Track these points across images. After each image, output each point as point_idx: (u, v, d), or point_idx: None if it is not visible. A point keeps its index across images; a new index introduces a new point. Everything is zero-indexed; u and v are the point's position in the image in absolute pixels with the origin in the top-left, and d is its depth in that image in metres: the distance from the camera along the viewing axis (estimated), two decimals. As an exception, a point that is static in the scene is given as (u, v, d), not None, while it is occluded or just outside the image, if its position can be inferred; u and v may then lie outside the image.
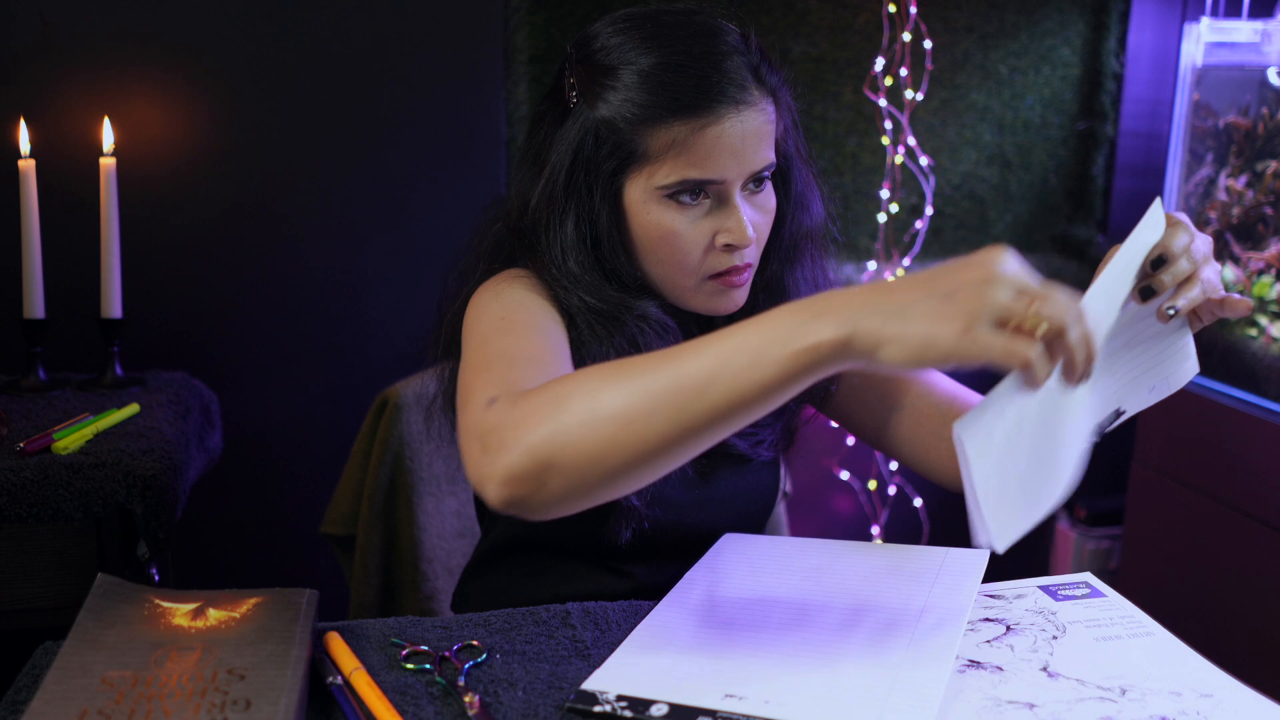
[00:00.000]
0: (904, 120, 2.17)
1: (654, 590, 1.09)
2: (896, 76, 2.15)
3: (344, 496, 1.46)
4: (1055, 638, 0.93)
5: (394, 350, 1.96)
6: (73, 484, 1.34)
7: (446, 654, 0.89)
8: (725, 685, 0.82)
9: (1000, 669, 0.88)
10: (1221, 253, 1.96)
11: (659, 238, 1.05)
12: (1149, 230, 0.89)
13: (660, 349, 0.82)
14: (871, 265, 2.22)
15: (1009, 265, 0.73)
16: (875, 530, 2.31)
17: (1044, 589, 1.02)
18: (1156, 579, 2.10)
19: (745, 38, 1.06)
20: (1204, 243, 0.92)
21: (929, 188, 2.23)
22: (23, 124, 1.61)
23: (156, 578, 1.42)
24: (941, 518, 2.33)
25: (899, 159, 2.20)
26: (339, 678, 0.85)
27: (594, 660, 0.89)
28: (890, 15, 2.13)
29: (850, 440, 2.26)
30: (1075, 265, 2.35)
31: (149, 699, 0.77)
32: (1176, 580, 2.04)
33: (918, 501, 2.30)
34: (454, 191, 1.98)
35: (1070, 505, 2.35)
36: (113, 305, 1.62)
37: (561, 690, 0.84)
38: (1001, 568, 1.05)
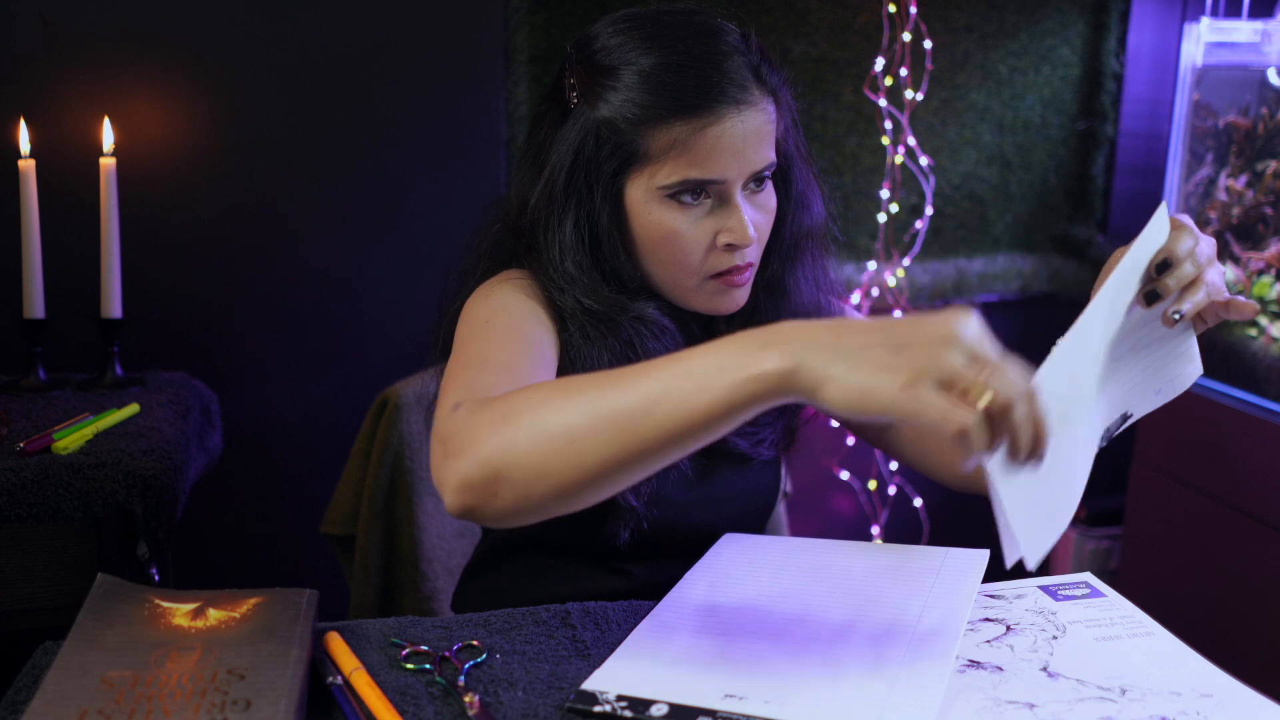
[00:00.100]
0: (904, 120, 2.17)
1: (654, 590, 1.09)
2: (896, 76, 2.15)
3: (344, 496, 1.46)
4: (1055, 638, 0.93)
5: (394, 350, 1.96)
6: (73, 484, 1.34)
7: (446, 654, 0.89)
8: (725, 685, 0.82)
9: (1000, 669, 0.88)
10: (1221, 253, 1.96)
11: (660, 238, 1.05)
12: (1154, 233, 0.89)
13: (630, 363, 0.82)
14: (871, 265, 2.22)
15: (969, 330, 0.71)
16: (875, 530, 2.31)
17: (1044, 589, 1.02)
18: (1156, 579, 2.10)
19: (745, 37, 1.06)
20: (1208, 245, 0.92)
21: (929, 188, 2.23)
22: (23, 124, 1.61)
23: (156, 578, 1.42)
24: (941, 518, 2.33)
25: (899, 159, 2.20)
26: (339, 678, 0.85)
27: (594, 660, 0.89)
28: (890, 15, 2.13)
29: (850, 440, 2.26)
30: (1075, 265, 2.35)
31: (149, 699, 0.77)
32: (1176, 580, 2.04)
33: (918, 501, 2.30)
34: (454, 191, 1.98)
35: (1070, 505, 2.35)
36: (113, 305, 1.62)
37: (561, 690, 0.84)
38: (1001, 568, 1.05)
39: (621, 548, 1.11)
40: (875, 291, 2.22)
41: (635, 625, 0.93)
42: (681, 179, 1.02)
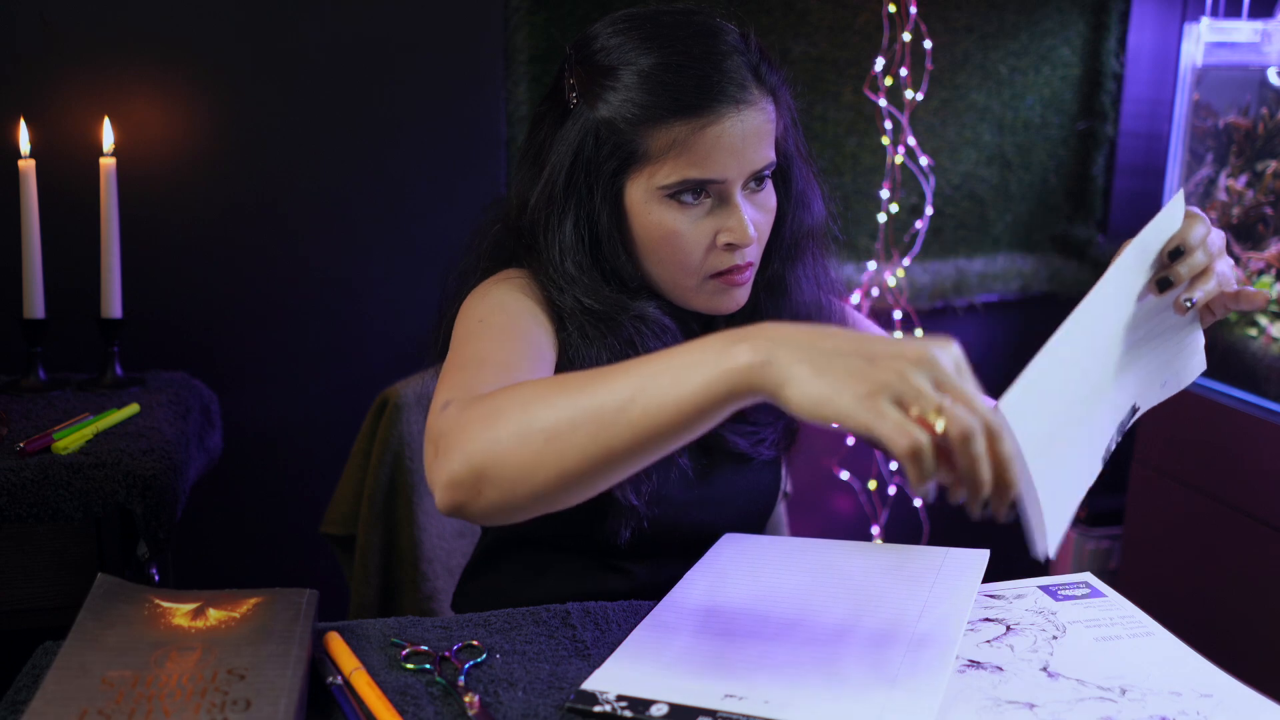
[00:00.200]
0: (904, 120, 2.17)
1: (654, 590, 1.09)
2: (896, 76, 2.15)
3: (344, 496, 1.46)
4: (1055, 638, 0.93)
5: (394, 350, 1.96)
6: (73, 484, 1.34)
7: (446, 654, 0.89)
8: (725, 685, 0.82)
9: (1000, 669, 0.88)
10: (1221, 253, 1.96)
11: (660, 238, 1.05)
12: (1168, 220, 0.90)
13: (632, 357, 0.82)
14: (871, 265, 2.22)
15: (946, 356, 0.70)
16: (875, 530, 2.31)
17: (1044, 589, 1.02)
18: (1156, 579, 2.10)
19: (745, 37, 1.06)
20: (1219, 237, 0.93)
21: (929, 188, 2.23)
22: (23, 124, 1.61)
23: (156, 578, 1.42)
24: (941, 518, 2.33)
25: (899, 159, 2.20)
26: (339, 678, 0.85)
27: (594, 660, 0.89)
28: (890, 15, 2.13)
29: (850, 440, 2.26)
30: (1075, 265, 2.35)
31: (149, 699, 0.77)
32: (1176, 580, 2.04)
33: (918, 501, 2.30)
34: (454, 191, 1.98)
35: (1070, 505, 2.35)
36: (113, 305, 1.62)
37: (561, 690, 0.84)
38: (1001, 568, 1.05)
39: (622, 547, 1.11)
40: (875, 291, 2.22)
41: (635, 625, 0.93)
42: (681, 179, 1.02)
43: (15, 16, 1.74)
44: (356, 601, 1.43)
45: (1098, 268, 2.30)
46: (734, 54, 1.03)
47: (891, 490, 2.30)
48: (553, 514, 0.84)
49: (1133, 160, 2.38)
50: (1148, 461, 2.09)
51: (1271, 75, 1.90)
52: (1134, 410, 0.96)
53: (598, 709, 0.81)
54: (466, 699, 0.82)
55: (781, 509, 1.54)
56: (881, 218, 2.22)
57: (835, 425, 0.70)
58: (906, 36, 2.13)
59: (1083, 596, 1.01)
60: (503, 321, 1.02)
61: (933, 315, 2.31)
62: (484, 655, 0.89)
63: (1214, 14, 2.07)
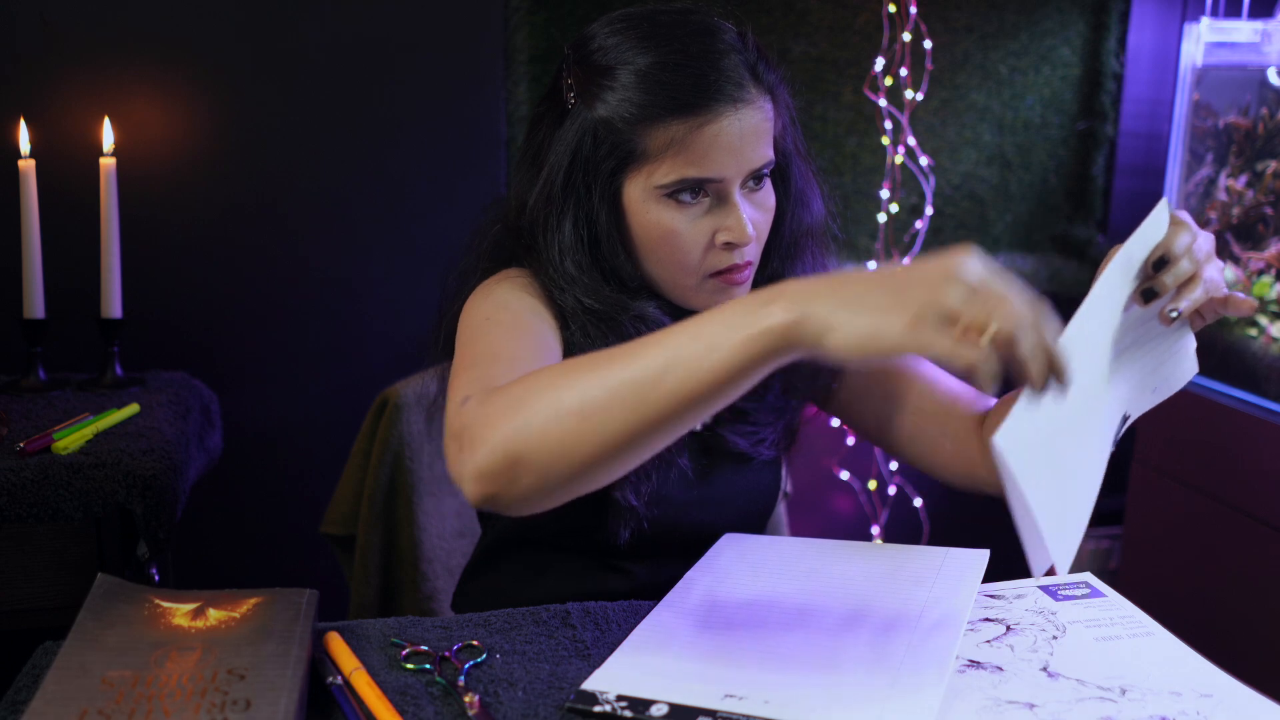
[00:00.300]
0: (904, 120, 2.17)
1: (654, 590, 1.09)
2: (896, 76, 2.15)
3: (344, 496, 1.46)
4: (1055, 638, 0.93)
5: (394, 350, 1.96)
6: (73, 484, 1.34)
7: (446, 654, 0.89)
8: (725, 685, 0.82)
9: (1000, 669, 0.88)
10: (1222, 253, 1.96)
11: (659, 237, 1.05)
12: (1152, 229, 0.89)
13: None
14: (871, 265, 2.22)
15: (969, 266, 0.71)
16: (875, 530, 2.31)
17: (1044, 589, 1.02)
18: (1156, 579, 2.10)
19: (742, 36, 1.06)
20: (1206, 241, 0.92)
21: (929, 188, 2.23)
22: (23, 124, 1.61)
23: (156, 578, 1.42)
24: (941, 518, 2.33)
25: (899, 159, 2.20)
26: (339, 678, 0.85)
27: (594, 660, 0.89)
28: (890, 15, 2.13)
29: (850, 440, 2.26)
30: (1075, 265, 2.35)
31: (149, 699, 0.77)
32: (1176, 580, 2.04)
33: (918, 501, 2.30)
34: (454, 191, 1.98)
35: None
36: (113, 305, 1.62)
37: (561, 690, 0.84)
38: (1001, 568, 1.05)
39: (622, 547, 1.11)
40: (875, 291, 2.22)
41: (635, 625, 0.93)
42: (679, 178, 1.02)
43: (15, 16, 1.74)
44: (356, 601, 1.43)
45: (1098, 268, 2.30)
46: (731, 53, 1.03)
47: (891, 490, 2.30)
48: (553, 514, 0.84)
49: (1133, 160, 2.38)
50: (1148, 461, 2.09)
51: (1271, 75, 1.90)
52: (1125, 419, 0.96)
53: (598, 709, 0.81)
54: (466, 699, 0.82)
55: (781, 509, 1.54)
56: (881, 218, 2.22)
57: (887, 358, 0.72)
58: (906, 36, 2.13)
59: (1083, 596, 1.01)
60: (509, 318, 1.02)
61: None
62: (484, 655, 0.89)
63: (1214, 14, 2.07)
